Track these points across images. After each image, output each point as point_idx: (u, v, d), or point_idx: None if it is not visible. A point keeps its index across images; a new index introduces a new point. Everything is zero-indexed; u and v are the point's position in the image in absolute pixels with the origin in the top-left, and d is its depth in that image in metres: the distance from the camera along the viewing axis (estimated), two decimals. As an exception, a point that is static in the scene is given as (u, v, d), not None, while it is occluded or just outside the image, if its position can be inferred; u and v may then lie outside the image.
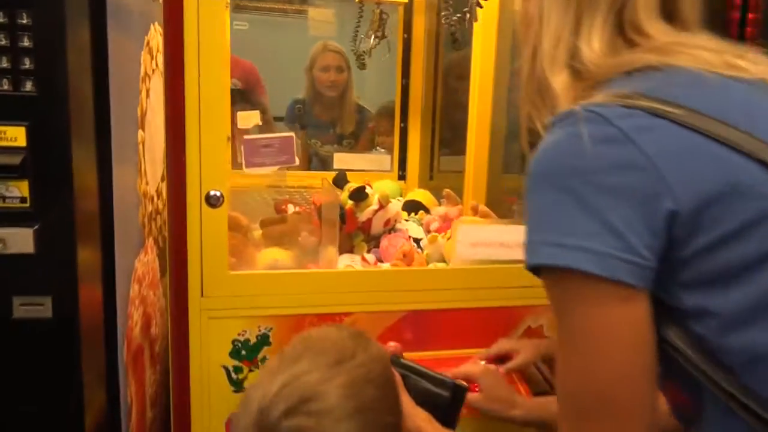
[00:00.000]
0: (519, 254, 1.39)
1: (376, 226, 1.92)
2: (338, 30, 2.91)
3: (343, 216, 1.85)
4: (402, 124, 2.62)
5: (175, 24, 1.17)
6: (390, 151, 2.72)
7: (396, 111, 2.62)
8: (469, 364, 1.23)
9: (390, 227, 1.96)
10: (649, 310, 0.62)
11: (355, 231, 1.92)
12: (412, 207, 2.20)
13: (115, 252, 1.22)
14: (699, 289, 0.62)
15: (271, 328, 1.30)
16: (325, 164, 2.83)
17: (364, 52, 2.18)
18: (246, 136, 1.29)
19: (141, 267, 1.44)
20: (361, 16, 2.39)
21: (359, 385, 0.81)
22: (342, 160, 2.64)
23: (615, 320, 0.62)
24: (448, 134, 2.67)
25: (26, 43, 1.01)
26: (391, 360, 0.98)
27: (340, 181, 2.07)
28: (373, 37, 2.12)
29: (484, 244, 1.37)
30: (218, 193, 1.22)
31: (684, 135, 0.63)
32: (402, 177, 2.64)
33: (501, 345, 1.32)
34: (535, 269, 0.67)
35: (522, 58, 0.82)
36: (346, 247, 1.87)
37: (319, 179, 2.25)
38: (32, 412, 1.08)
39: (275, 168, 1.32)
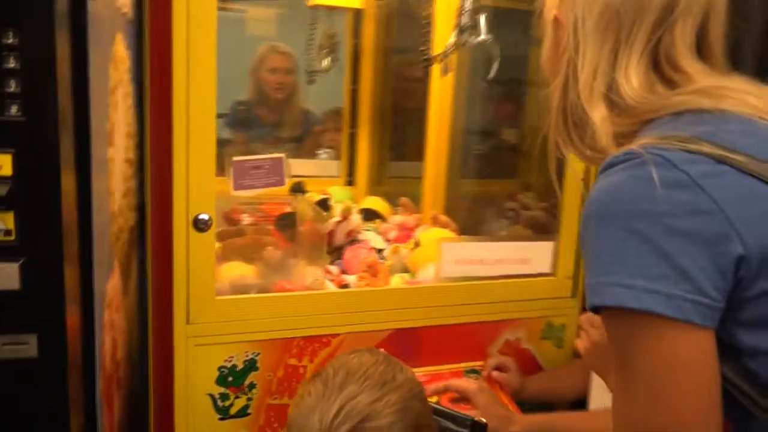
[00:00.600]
0: (498, 270, 1.44)
1: (339, 238, 1.91)
2: (280, 31, 2.85)
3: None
4: (351, 130, 2.60)
5: (163, 42, 1.12)
6: (337, 155, 2.70)
7: (345, 116, 2.60)
8: (464, 380, 1.25)
9: (351, 238, 1.95)
10: (716, 348, 0.65)
11: (316, 243, 1.91)
12: (368, 215, 2.20)
13: (94, 279, 1.15)
14: (757, 329, 0.65)
15: (259, 353, 1.28)
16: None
17: (317, 71, 2.19)
18: (235, 158, 1.25)
19: (110, 291, 1.37)
20: (314, 26, 2.37)
21: (407, 401, 0.86)
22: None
23: (687, 359, 0.63)
24: (397, 140, 2.68)
25: (12, 64, 0.94)
26: None
27: (298, 190, 2.05)
28: (328, 60, 2.13)
29: (466, 261, 1.39)
30: (207, 217, 1.19)
31: (746, 182, 0.65)
32: (350, 182, 2.63)
33: (502, 359, 1.38)
34: (597, 309, 0.68)
35: (551, 86, 0.83)
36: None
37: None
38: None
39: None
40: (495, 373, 1.37)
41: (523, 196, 2.22)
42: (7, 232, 0.96)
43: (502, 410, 1.20)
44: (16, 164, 0.94)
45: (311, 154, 2.84)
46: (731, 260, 0.63)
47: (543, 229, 1.88)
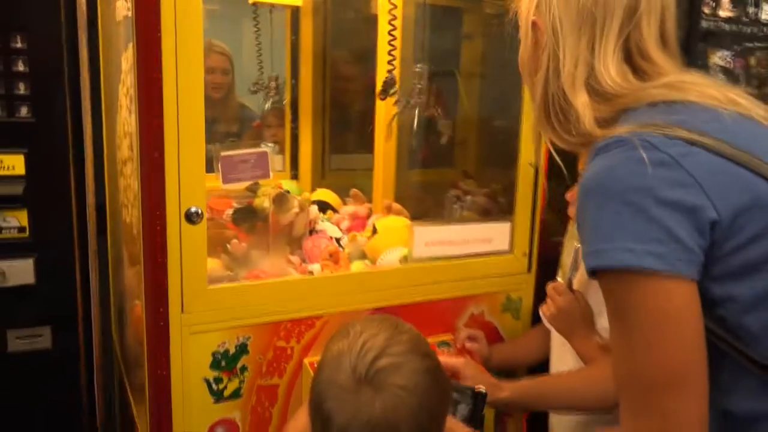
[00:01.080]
0: (464, 249, 1.57)
1: (298, 229, 1.99)
2: (213, 26, 2.87)
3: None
4: (293, 124, 2.66)
5: (153, 43, 1.17)
6: (280, 149, 2.75)
7: (287, 111, 2.66)
8: (448, 357, 1.36)
9: (310, 229, 2.03)
10: (699, 300, 0.79)
11: (277, 234, 1.97)
12: (321, 207, 2.28)
13: (90, 274, 1.19)
14: (726, 280, 0.79)
15: (249, 337, 1.35)
16: (210, 164, 2.79)
17: (261, 85, 2.34)
18: (223, 153, 1.31)
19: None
20: (257, 27, 2.43)
21: (418, 340, 1.01)
22: (235, 161, 2.63)
23: (679, 307, 0.77)
24: (338, 133, 2.77)
25: (21, 67, 0.97)
26: None
27: (254, 185, 2.10)
28: (269, 102, 2.39)
29: (435, 242, 1.51)
30: (198, 210, 1.24)
31: (714, 160, 0.78)
32: (294, 176, 2.69)
33: (472, 331, 1.50)
34: (594, 272, 0.80)
35: (533, 82, 0.95)
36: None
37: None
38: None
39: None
40: (468, 344, 1.50)
41: (464, 183, 2.37)
42: (21, 229, 0.99)
43: (490, 379, 1.32)
44: (29, 164, 0.98)
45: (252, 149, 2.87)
46: (707, 223, 0.77)
47: (486, 213, 2.02)
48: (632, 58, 0.89)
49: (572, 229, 1.43)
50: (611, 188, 0.79)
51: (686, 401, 0.76)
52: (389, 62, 1.93)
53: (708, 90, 0.86)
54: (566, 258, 1.41)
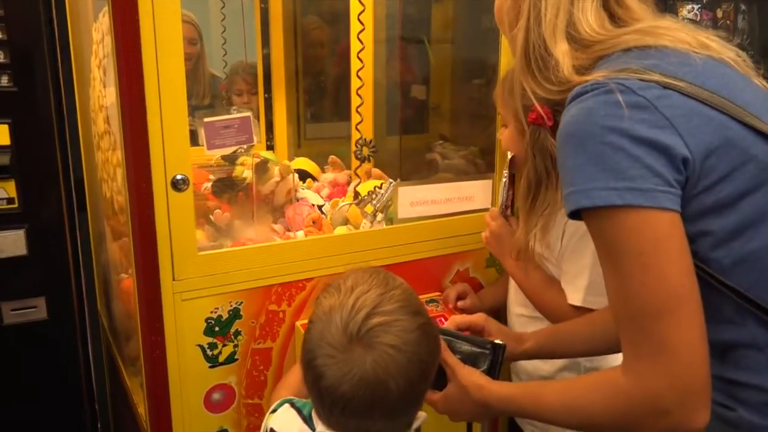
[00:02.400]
0: (448, 208, 1.59)
1: (279, 197, 1.99)
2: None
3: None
4: (266, 95, 2.64)
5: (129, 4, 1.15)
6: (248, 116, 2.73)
7: (259, 81, 2.63)
8: (465, 316, 1.37)
9: (291, 197, 2.04)
10: (683, 228, 0.82)
11: (259, 203, 1.98)
12: (300, 176, 2.29)
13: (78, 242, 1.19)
14: (698, 219, 0.83)
15: (242, 302, 1.36)
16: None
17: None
18: (206, 119, 1.30)
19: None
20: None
21: (409, 294, 1.00)
22: (210, 132, 2.61)
23: (665, 234, 0.80)
24: (313, 102, 2.76)
25: (0, 35, 0.95)
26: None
27: (231, 156, 2.09)
28: None
29: (420, 202, 1.53)
30: (184, 177, 1.24)
31: (687, 102, 0.82)
32: (270, 147, 2.68)
33: (458, 287, 1.53)
34: (577, 212, 0.83)
35: (514, 31, 0.96)
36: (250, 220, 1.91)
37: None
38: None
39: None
40: (461, 303, 1.53)
41: (441, 147, 2.39)
42: (10, 200, 0.98)
43: (511, 332, 1.34)
44: (14, 133, 0.96)
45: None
46: (680, 160, 0.81)
47: (465, 175, 2.05)
48: (609, 5, 0.92)
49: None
50: (589, 130, 0.82)
51: (683, 327, 0.79)
52: (358, 36, 1.92)
53: (680, 34, 0.89)
54: (501, 189, 1.48)
